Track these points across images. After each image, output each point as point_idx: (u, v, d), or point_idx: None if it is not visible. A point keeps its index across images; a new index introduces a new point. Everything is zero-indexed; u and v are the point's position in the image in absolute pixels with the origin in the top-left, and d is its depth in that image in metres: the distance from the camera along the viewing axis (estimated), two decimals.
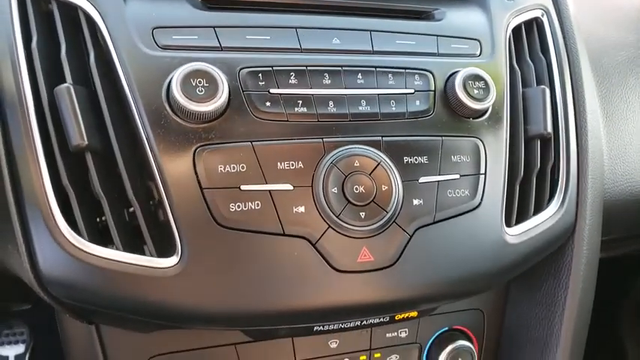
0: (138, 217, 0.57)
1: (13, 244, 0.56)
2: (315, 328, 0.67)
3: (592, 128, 0.79)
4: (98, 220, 0.59)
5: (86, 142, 0.55)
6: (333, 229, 0.59)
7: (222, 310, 0.58)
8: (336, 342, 0.76)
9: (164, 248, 0.57)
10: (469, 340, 0.81)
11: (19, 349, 1.82)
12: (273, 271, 0.58)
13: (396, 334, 0.79)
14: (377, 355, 0.78)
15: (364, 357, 0.77)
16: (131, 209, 0.59)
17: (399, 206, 0.62)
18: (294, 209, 0.59)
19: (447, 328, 0.81)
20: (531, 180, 0.73)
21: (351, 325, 0.68)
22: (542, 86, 0.75)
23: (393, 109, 0.64)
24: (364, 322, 0.69)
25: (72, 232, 0.55)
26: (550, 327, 0.79)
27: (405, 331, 0.79)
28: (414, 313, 0.71)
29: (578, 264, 0.77)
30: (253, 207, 0.57)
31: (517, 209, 0.71)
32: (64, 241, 0.55)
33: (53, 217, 0.55)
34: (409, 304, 0.66)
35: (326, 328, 0.68)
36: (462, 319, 0.82)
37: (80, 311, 0.61)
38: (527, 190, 0.73)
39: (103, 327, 0.68)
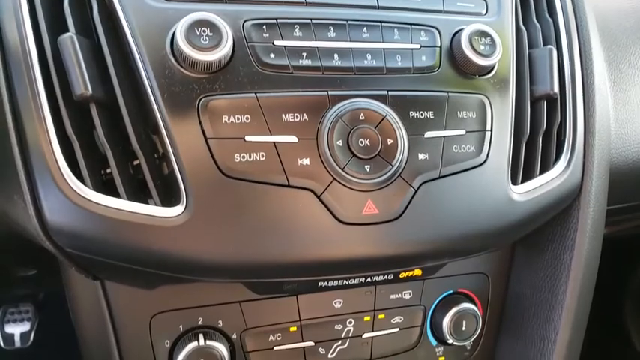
0: (142, 167, 0.57)
1: (18, 194, 0.56)
2: (319, 284, 0.67)
3: (599, 89, 0.78)
4: (103, 173, 0.59)
5: (90, 92, 0.55)
6: (338, 181, 0.59)
7: (226, 260, 0.58)
8: (340, 302, 0.76)
9: (169, 200, 0.57)
10: (473, 303, 0.81)
11: (25, 326, 1.84)
12: (278, 222, 0.58)
13: (400, 295, 0.79)
14: (381, 316, 0.78)
15: (368, 318, 0.77)
16: (136, 162, 0.59)
17: (405, 160, 0.61)
18: (299, 161, 0.59)
19: (451, 292, 0.81)
20: (537, 140, 0.73)
21: (355, 281, 0.69)
22: (549, 46, 0.74)
23: (399, 63, 0.64)
24: (368, 279, 0.69)
25: (76, 181, 0.55)
26: (555, 290, 0.79)
27: (410, 293, 0.79)
28: (418, 272, 0.71)
29: (584, 226, 0.76)
30: (258, 158, 0.57)
31: (523, 168, 0.71)
32: (68, 190, 0.55)
33: (58, 166, 0.55)
34: (413, 259, 0.66)
35: (330, 284, 0.68)
36: (467, 282, 0.82)
37: (85, 263, 0.61)
38: (533, 149, 0.72)
39: (108, 284, 0.68)
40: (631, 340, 1.95)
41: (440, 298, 0.81)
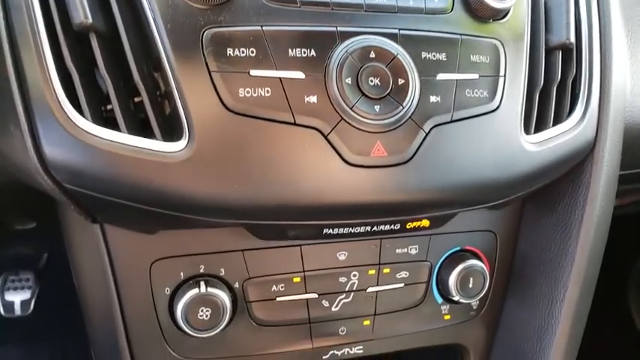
0: (144, 103, 0.55)
1: (15, 125, 0.54)
2: (324, 231, 0.65)
3: (617, 42, 0.75)
4: (103, 109, 0.57)
5: (90, 21, 0.52)
6: (346, 121, 0.57)
7: (228, 199, 0.56)
8: (345, 254, 0.74)
9: (170, 137, 0.55)
10: (481, 261, 0.79)
11: (25, 294, 1.84)
12: (282, 162, 0.56)
13: (405, 250, 0.77)
14: (386, 270, 0.76)
15: (373, 271, 0.76)
16: (137, 99, 0.57)
17: (416, 102, 0.59)
18: (306, 99, 0.56)
19: (458, 249, 0.79)
20: (551, 91, 0.70)
21: (361, 230, 0.67)
22: None
23: (411, 3, 0.61)
24: (374, 229, 0.67)
25: (75, 113, 0.53)
26: (565, 248, 0.77)
27: (415, 248, 0.77)
28: (426, 223, 0.69)
29: (597, 181, 0.74)
30: (263, 94, 0.55)
31: (536, 119, 0.69)
32: (67, 122, 0.53)
33: (56, 97, 0.53)
34: (421, 207, 0.64)
35: (335, 232, 0.66)
36: (474, 240, 0.80)
37: (84, 202, 0.59)
38: (547, 100, 0.70)
39: (108, 228, 0.66)
40: (632, 319, 1.95)
41: (446, 255, 0.79)
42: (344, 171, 0.58)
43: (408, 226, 0.69)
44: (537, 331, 0.79)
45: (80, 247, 0.69)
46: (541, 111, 0.70)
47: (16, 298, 1.85)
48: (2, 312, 1.79)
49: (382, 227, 0.68)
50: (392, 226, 0.68)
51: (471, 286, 0.78)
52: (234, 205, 0.57)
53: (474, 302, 0.82)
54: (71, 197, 0.58)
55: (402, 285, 0.77)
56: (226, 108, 0.55)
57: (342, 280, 0.75)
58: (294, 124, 0.56)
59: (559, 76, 0.71)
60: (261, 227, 0.64)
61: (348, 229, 0.67)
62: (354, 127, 0.57)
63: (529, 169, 0.67)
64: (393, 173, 0.59)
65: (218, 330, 0.67)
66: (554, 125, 0.70)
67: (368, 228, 0.67)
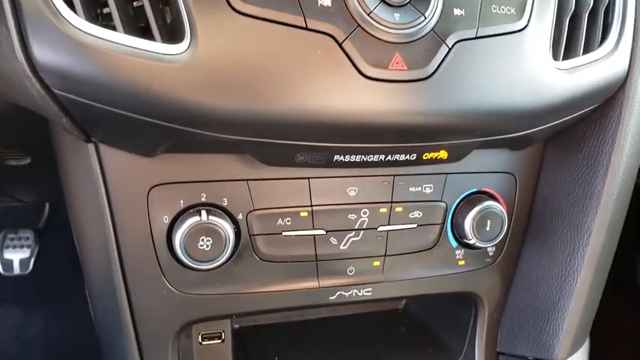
0: (145, 6, 0.50)
1: (1, 22, 0.50)
2: (334, 158, 0.61)
3: None
4: (99, 12, 0.53)
5: None
6: (363, 28, 0.52)
7: (231, 109, 0.51)
8: (355, 190, 0.69)
9: (172, 41, 0.51)
10: (499, 203, 0.74)
11: (24, 253, 1.81)
12: (292, 69, 0.51)
13: (420, 189, 0.72)
14: (398, 209, 0.72)
15: (384, 209, 0.71)
16: (136, 3, 0.52)
17: (439, 13, 0.54)
18: (319, 2, 0.51)
19: (475, 190, 0.75)
20: (582, 17, 0.65)
21: (374, 159, 0.62)
22: None
23: None
24: (389, 158, 0.62)
25: (67, 9, 0.48)
26: (589, 190, 0.72)
27: (430, 187, 0.72)
28: (444, 154, 0.64)
29: (627, 118, 0.69)
30: None
31: (566, 45, 0.63)
32: (57, 18, 0.48)
33: None
34: (440, 130, 0.59)
35: (347, 159, 0.61)
36: (492, 182, 0.75)
37: (76, 113, 0.54)
38: (578, 26, 0.65)
39: (103, 150, 0.62)
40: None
41: (463, 196, 0.74)
42: (358, 84, 0.53)
43: (424, 157, 0.64)
44: (557, 279, 0.75)
45: (73, 171, 0.65)
46: (571, 37, 0.65)
47: (15, 256, 1.82)
48: (1, 270, 1.77)
49: (397, 157, 0.63)
50: (407, 156, 0.64)
51: (488, 228, 0.73)
52: (236, 117, 0.52)
53: (490, 248, 0.78)
54: (62, 107, 0.53)
55: (414, 226, 0.73)
56: (232, 9, 0.50)
57: (352, 217, 0.70)
58: (306, 28, 0.51)
59: (591, 2, 0.65)
60: (266, 149, 0.59)
61: (361, 157, 0.62)
62: (372, 35, 0.53)
63: (557, 96, 0.62)
64: (412, 90, 0.55)
65: (219, 262, 0.63)
66: (584, 53, 0.65)
67: (382, 157, 0.63)
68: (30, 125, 0.67)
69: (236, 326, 0.94)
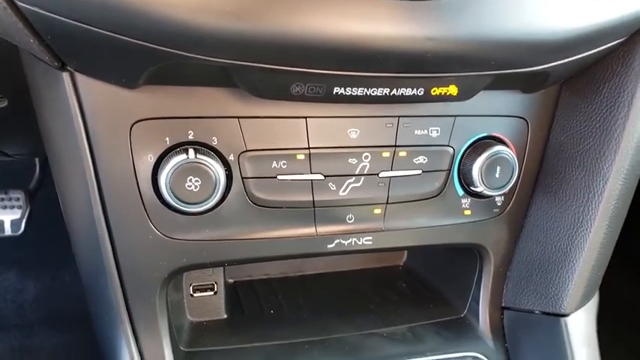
0: None
1: None
2: (334, 90, 0.56)
3: None
4: None
5: None
6: None
7: (220, 25, 0.45)
8: (357, 132, 0.64)
9: None
10: (509, 149, 0.70)
11: (15, 214, 1.77)
12: None
13: (426, 132, 0.67)
14: (402, 153, 0.67)
15: (387, 154, 0.66)
16: None
17: None
18: None
19: (485, 135, 0.70)
20: None
21: (378, 93, 0.57)
22: None
23: None
24: (394, 92, 0.57)
25: None
26: (608, 135, 0.67)
27: (437, 131, 0.67)
28: (454, 90, 0.59)
29: None
30: None
31: None
32: None
33: None
34: (450, 58, 0.53)
35: (347, 92, 0.56)
36: (503, 126, 0.70)
37: (44, 32, 0.48)
38: None
39: (80, 84, 0.56)
40: None
41: (471, 141, 0.69)
42: (360, 0, 0.47)
43: (432, 92, 0.59)
44: (569, 229, 0.70)
45: (48, 105, 0.60)
46: None
47: (6, 217, 1.79)
48: None
49: (403, 91, 0.58)
50: (414, 91, 0.58)
51: (497, 175, 0.68)
52: (225, 35, 0.46)
53: (499, 198, 0.73)
54: (28, 25, 0.48)
55: (419, 172, 0.68)
56: None
57: (352, 161, 0.65)
58: None
59: None
60: (257, 77, 0.54)
61: (363, 90, 0.57)
62: None
63: (580, 25, 0.56)
64: (421, 10, 0.49)
65: (208, 206, 0.59)
66: None
67: (386, 90, 0.57)
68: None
69: (230, 281, 0.90)
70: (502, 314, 0.80)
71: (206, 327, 0.77)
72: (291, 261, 0.95)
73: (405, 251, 1.01)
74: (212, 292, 0.79)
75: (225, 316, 0.80)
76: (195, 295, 0.79)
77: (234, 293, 0.87)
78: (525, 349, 0.77)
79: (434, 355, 0.74)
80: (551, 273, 0.73)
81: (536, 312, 0.75)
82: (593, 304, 0.75)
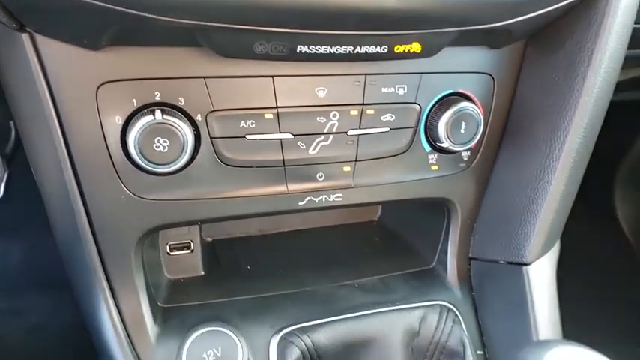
0: None
1: None
2: (298, 48, 0.56)
3: None
4: None
5: None
6: None
7: None
8: (324, 90, 0.65)
9: None
10: (475, 105, 0.71)
11: None
12: None
13: (393, 89, 0.68)
14: (370, 111, 0.68)
15: (355, 112, 0.67)
16: None
17: None
18: None
19: (451, 91, 0.71)
20: None
21: (342, 51, 0.57)
22: None
23: None
24: (358, 50, 0.58)
25: None
26: (569, 89, 0.68)
27: (404, 88, 0.68)
28: (417, 47, 0.60)
29: (612, 11, 0.64)
30: None
31: None
32: None
33: None
34: (412, 16, 0.53)
35: (311, 50, 0.56)
36: (469, 83, 0.71)
37: None
38: None
39: (42, 46, 0.55)
40: (616, 217, 1.96)
41: (438, 98, 0.70)
42: None
43: (396, 50, 0.60)
44: (531, 182, 0.73)
45: (11, 69, 0.59)
46: None
47: None
48: None
49: (367, 49, 0.59)
50: (378, 48, 0.59)
51: (462, 131, 0.70)
52: None
53: (465, 153, 0.75)
54: None
55: (387, 129, 0.70)
56: None
57: (321, 120, 0.66)
58: None
59: None
60: (220, 36, 0.54)
61: (327, 48, 0.57)
62: None
63: None
64: None
65: (178, 166, 0.60)
66: None
67: (350, 48, 0.58)
68: None
69: (209, 239, 0.93)
70: (469, 264, 0.84)
71: (184, 283, 0.80)
72: (268, 219, 0.98)
73: (380, 207, 1.04)
74: (189, 251, 0.81)
75: (203, 273, 0.83)
76: (172, 253, 0.81)
77: (212, 251, 0.89)
78: (490, 297, 0.81)
79: (403, 303, 0.77)
80: (515, 224, 0.76)
81: (501, 262, 0.79)
82: (553, 253, 0.79)
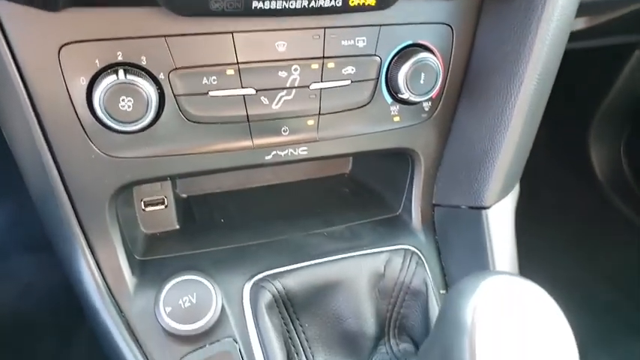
0: None
1: None
2: (252, 4, 0.57)
3: None
4: None
5: None
6: None
7: None
8: (284, 45, 0.66)
9: None
10: (434, 56, 0.73)
11: None
12: None
13: (352, 42, 0.70)
14: (330, 64, 0.70)
15: (316, 66, 0.69)
16: None
17: None
18: None
19: (410, 42, 0.73)
20: None
21: (297, 5, 0.59)
22: None
23: None
24: (312, 4, 0.59)
25: None
26: (524, 37, 0.70)
27: (363, 41, 0.70)
28: (371, 0, 0.62)
29: None
30: None
31: None
32: None
33: None
34: None
35: (266, 5, 0.58)
36: (428, 34, 0.73)
37: None
38: None
39: (2, 13, 0.56)
40: (592, 164, 2.01)
41: (397, 50, 0.72)
42: None
43: (351, 3, 0.61)
44: (489, 129, 0.76)
45: None
46: None
47: None
48: None
49: (321, 2, 0.60)
50: (332, 2, 0.60)
51: (422, 81, 0.72)
52: None
53: (426, 103, 0.78)
54: None
55: (348, 82, 0.72)
56: None
57: (282, 74, 0.68)
58: None
59: None
60: None
61: (282, 3, 0.58)
62: None
63: None
64: None
65: (144, 124, 0.62)
66: None
67: (305, 3, 0.59)
68: None
69: (184, 195, 0.95)
70: (433, 211, 0.88)
71: (159, 238, 0.83)
72: (242, 175, 1.00)
73: (350, 161, 1.07)
74: (163, 206, 0.84)
75: (178, 227, 0.86)
76: (146, 209, 0.84)
77: (188, 207, 0.93)
78: (452, 241, 0.85)
79: (370, 248, 0.82)
80: (475, 171, 0.80)
81: (462, 207, 0.83)
82: (512, 197, 0.83)
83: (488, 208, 0.81)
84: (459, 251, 0.83)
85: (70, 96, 0.61)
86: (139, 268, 0.76)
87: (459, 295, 0.42)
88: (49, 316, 1.54)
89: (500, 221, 0.81)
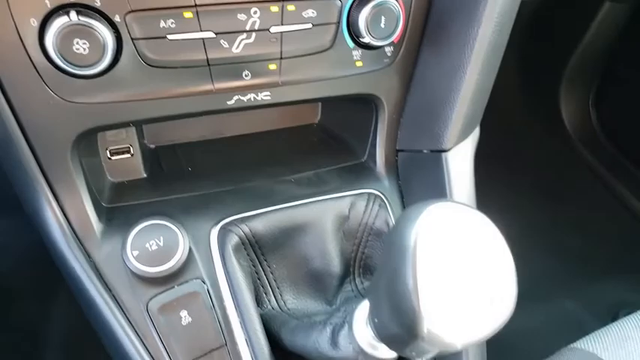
0: None
1: None
2: None
3: None
4: None
5: None
6: None
7: None
8: None
9: None
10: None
11: None
12: None
13: None
14: (290, 7, 0.69)
15: (276, 8, 0.68)
16: None
17: None
18: None
19: None
20: None
21: None
22: None
23: None
24: None
25: None
26: None
27: None
28: None
29: None
30: None
31: None
32: None
33: None
34: None
35: None
36: None
37: None
38: None
39: None
40: (562, 119, 2.05)
41: None
42: None
43: None
44: (448, 74, 0.77)
45: None
46: None
47: None
48: None
49: None
50: None
51: (382, 25, 0.73)
52: None
53: (389, 48, 0.78)
54: None
55: (309, 26, 0.71)
56: None
57: (242, 17, 0.68)
58: None
59: None
60: None
61: None
62: None
63: None
64: None
65: (101, 68, 0.61)
66: None
67: None
68: None
69: (152, 146, 0.96)
70: (396, 156, 0.90)
71: (127, 186, 0.84)
72: (211, 125, 1.01)
73: (319, 111, 1.08)
74: (129, 155, 0.84)
75: (145, 176, 0.86)
76: (112, 158, 0.84)
77: (156, 157, 0.93)
78: (414, 184, 0.88)
79: (335, 193, 0.84)
80: (435, 115, 0.81)
81: (425, 151, 0.85)
82: (471, 140, 0.86)
83: (447, 150, 0.83)
84: (420, 193, 0.86)
85: (21, 39, 0.60)
86: (106, 214, 0.77)
87: (404, 220, 0.44)
88: (25, 277, 1.55)
89: (459, 163, 0.84)
